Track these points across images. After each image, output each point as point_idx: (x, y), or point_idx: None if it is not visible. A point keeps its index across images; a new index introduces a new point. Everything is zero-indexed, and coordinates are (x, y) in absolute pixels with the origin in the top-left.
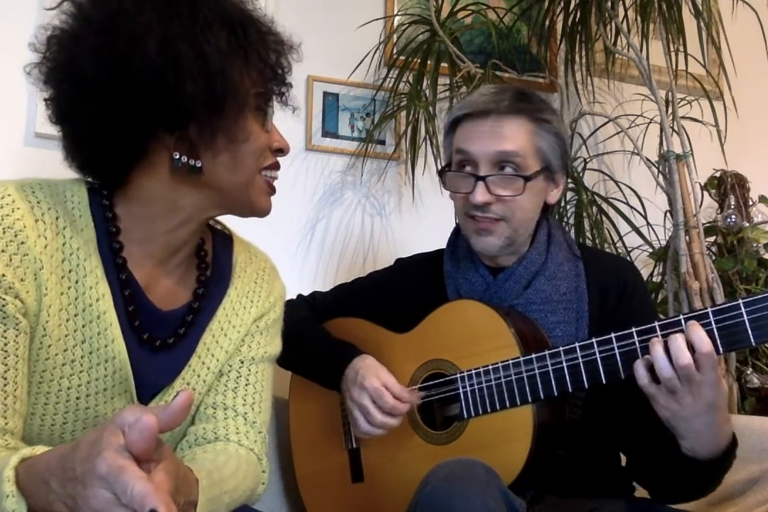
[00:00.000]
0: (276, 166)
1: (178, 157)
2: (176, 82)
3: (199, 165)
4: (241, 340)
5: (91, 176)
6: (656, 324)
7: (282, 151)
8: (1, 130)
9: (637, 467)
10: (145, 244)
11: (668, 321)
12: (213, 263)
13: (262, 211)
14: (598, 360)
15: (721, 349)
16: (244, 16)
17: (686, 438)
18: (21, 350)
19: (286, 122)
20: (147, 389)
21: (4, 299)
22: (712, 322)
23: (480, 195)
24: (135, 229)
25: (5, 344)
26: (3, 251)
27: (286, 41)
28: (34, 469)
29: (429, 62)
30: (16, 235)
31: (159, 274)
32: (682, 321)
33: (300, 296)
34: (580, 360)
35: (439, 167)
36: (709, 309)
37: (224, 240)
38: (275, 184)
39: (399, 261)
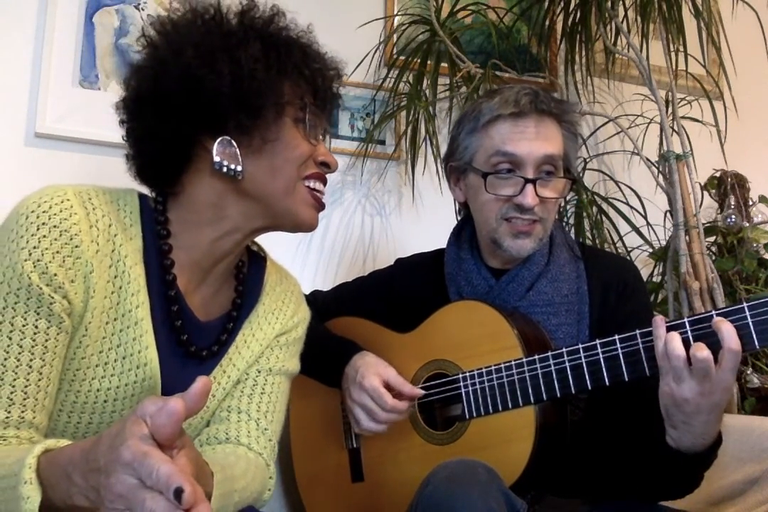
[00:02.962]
0: (319, 177)
1: (219, 160)
2: (210, 83)
3: (239, 169)
4: (261, 352)
5: (146, 183)
6: None
7: (328, 165)
8: (1, 130)
9: (624, 465)
10: (191, 251)
11: (673, 323)
12: (246, 279)
13: (305, 223)
14: (602, 361)
15: (757, 344)
16: (289, 38)
17: (677, 429)
18: (59, 348)
19: None
20: None
21: (52, 297)
22: (748, 317)
23: (531, 198)
24: (183, 235)
25: (46, 340)
26: (58, 252)
27: (336, 68)
28: (57, 462)
29: (429, 62)
30: (71, 239)
31: (199, 283)
32: (687, 324)
33: None
34: (584, 361)
35: (439, 167)
36: (745, 305)
37: (258, 260)
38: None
39: (399, 261)
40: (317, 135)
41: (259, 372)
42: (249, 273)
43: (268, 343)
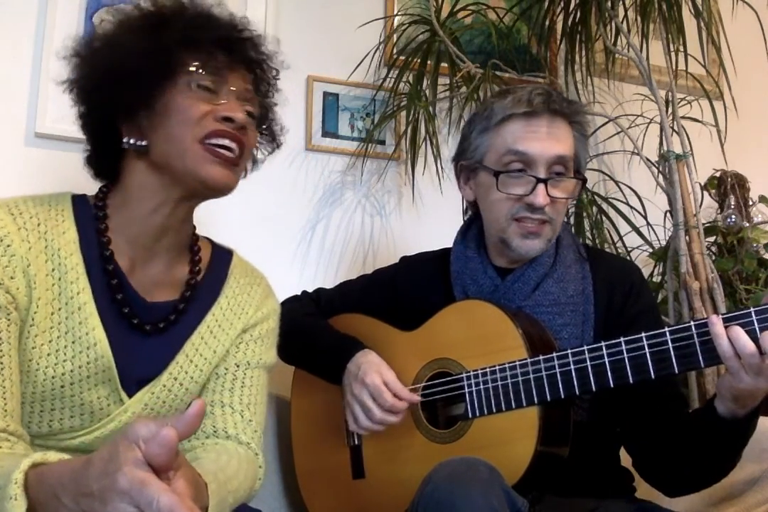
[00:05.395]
0: (220, 133)
1: (126, 139)
2: (102, 66)
3: (144, 143)
4: (231, 343)
5: (95, 173)
6: (666, 330)
7: (230, 119)
8: (1, 130)
9: (653, 461)
10: (126, 231)
11: (678, 327)
12: (208, 269)
13: (210, 180)
14: (607, 364)
15: None
16: (174, 8)
17: (738, 401)
18: (13, 339)
19: (286, 122)
20: (131, 378)
21: None
22: (755, 322)
23: (542, 197)
24: (116, 217)
25: None
26: None
27: (227, 21)
28: (45, 480)
29: (429, 62)
30: (1, 240)
31: (143, 262)
32: (693, 327)
33: (304, 292)
34: (588, 363)
35: (440, 167)
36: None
37: (224, 253)
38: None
39: (404, 259)
40: (221, 93)
41: (238, 366)
42: (212, 261)
43: (237, 334)
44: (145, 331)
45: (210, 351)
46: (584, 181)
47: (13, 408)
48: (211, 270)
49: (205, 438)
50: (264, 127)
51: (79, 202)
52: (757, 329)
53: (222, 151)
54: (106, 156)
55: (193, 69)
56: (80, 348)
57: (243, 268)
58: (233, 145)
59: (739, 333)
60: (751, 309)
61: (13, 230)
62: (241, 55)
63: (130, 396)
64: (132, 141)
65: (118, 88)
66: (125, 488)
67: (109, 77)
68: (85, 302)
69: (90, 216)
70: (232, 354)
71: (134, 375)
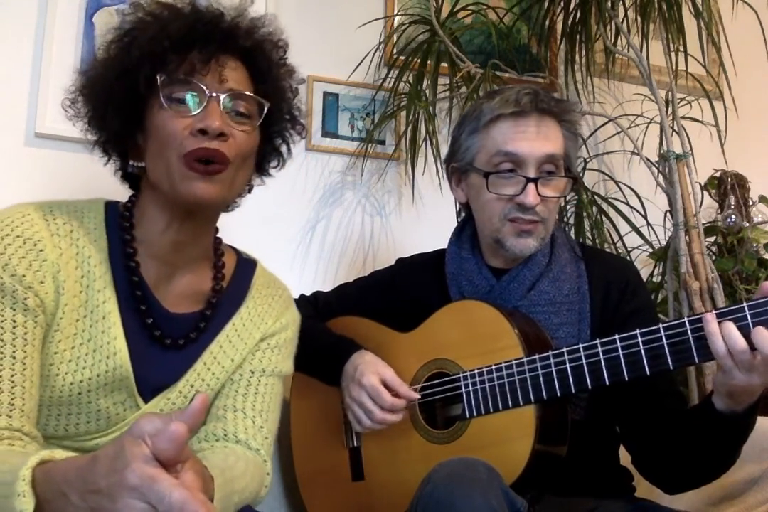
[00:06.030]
0: (199, 153)
1: (131, 163)
2: (85, 94)
3: (141, 165)
4: (249, 351)
5: (129, 188)
6: (660, 326)
7: (204, 131)
8: (1, 130)
9: (652, 459)
10: (148, 246)
11: (672, 323)
12: (232, 279)
13: (191, 198)
14: (602, 361)
15: None
16: (136, 23)
17: (734, 397)
18: (37, 341)
19: None
20: (148, 386)
21: (26, 293)
22: (748, 317)
23: (533, 197)
24: (139, 230)
25: (25, 333)
26: (24, 257)
27: (178, 31)
28: (52, 477)
29: (429, 62)
30: (35, 244)
31: (168, 277)
32: (686, 323)
33: (302, 296)
34: (584, 361)
35: (440, 167)
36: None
37: (248, 264)
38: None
39: (400, 260)
40: (200, 101)
41: (253, 373)
42: (236, 273)
43: (255, 343)
44: (165, 345)
45: (228, 359)
46: (575, 178)
47: (30, 408)
48: (234, 280)
49: (215, 441)
50: (282, 113)
51: (111, 209)
52: (750, 324)
53: (201, 166)
54: (127, 177)
55: (161, 84)
56: (100, 357)
57: (266, 279)
58: (211, 159)
59: (731, 329)
60: (744, 304)
61: (46, 236)
62: (224, 49)
63: (146, 401)
64: (134, 163)
65: (106, 115)
66: (135, 484)
67: (96, 105)
68: (110, 311)
69: (117, 224)
70: (248, 361)
71: (151, 382)
